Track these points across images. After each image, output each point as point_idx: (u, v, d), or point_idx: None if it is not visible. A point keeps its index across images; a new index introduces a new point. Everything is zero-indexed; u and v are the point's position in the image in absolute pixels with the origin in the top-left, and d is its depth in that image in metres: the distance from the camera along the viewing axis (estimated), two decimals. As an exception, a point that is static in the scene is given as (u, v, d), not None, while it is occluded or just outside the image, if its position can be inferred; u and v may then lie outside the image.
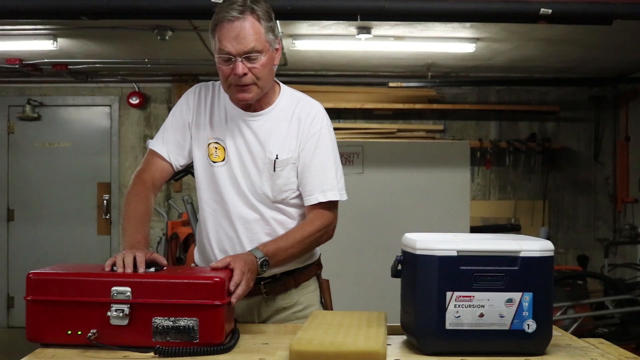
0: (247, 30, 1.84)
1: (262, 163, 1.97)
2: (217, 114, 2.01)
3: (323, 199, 1.98)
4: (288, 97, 2.04)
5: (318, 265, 2.15)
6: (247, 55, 1.85)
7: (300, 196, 2.02)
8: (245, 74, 1.86)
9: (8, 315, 6.51)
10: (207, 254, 2.06)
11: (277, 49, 1.96)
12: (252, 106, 1.99)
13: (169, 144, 2.02)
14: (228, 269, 1.69)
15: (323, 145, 2.00)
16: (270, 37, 1.91)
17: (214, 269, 1.68)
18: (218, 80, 2.02)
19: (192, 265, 2.20)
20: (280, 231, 1.99)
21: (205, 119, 2.02)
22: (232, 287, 1.65)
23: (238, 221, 1.99)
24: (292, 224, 2.01)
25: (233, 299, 1.64)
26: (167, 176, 2.05)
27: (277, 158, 1.96)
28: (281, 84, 2.06)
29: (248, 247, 1.96)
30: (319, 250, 2.15)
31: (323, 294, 2.15)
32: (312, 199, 1.98)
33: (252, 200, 1.98)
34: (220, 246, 2.02)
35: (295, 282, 2.06)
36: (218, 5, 1.91)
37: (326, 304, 2.15)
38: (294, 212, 2.03)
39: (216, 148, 1.99)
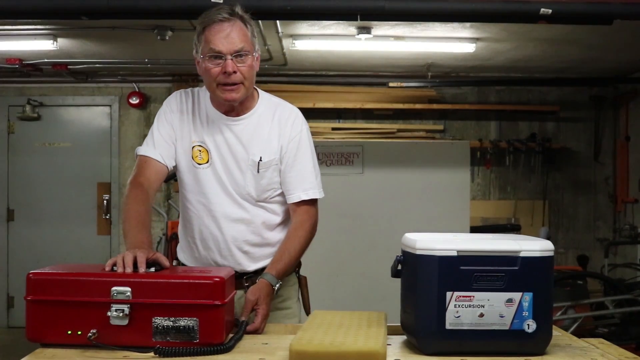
0: (237, 31, 1.96)
1: (245, 165, 2.06)
2: (199, 119, 2.09)
3: (305, 197, 2.10)
4: (266, 102, 2.13)
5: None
6: (237, 54, 1.94)
7: (282, 194, 2.12)
8: (234, 72, 1.94)
9: (8, 315, 6.51)
10: (191, 252, 2.15)
11: (258, 57, 2.05)
12: (234, 111, 2.07)
13: (160, 147, 2.07)
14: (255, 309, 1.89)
15: (303, 147, 2.12)
16: (255, 42, 2.02)
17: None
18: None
19: (174, 263, 2.25)
20: (263, 230, 2.10)
21: (189, 123, 2.09)
22: (251, 330, 1.81)
23: (223, 220, 2.07)
24: (275, 219, 2.12)
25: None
26: (162, 178, 2.09)
27: (260, 160, 2.05)
28: (258, 89, 2.15)
29: (232, 246, 2.07)
30: None
31: (301, 289, 2.23)
32: (294, 197, 2.10)
33: (238, 199, 2.07)
34: (205, 244, 2.11)
35: None
36: (203, 13, 1.99)
37: (304, 299, 2.24)
38: (277, 209, 2.13)
39: (200, 151, 2.07)
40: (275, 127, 2.08)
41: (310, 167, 2.13)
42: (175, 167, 2.12)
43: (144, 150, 2.07)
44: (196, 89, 2.15)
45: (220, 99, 2.01)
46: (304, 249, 2.11)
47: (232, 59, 1.93)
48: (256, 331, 1.84)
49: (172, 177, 2.24)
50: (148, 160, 2.05)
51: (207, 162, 2.07)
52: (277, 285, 1.98)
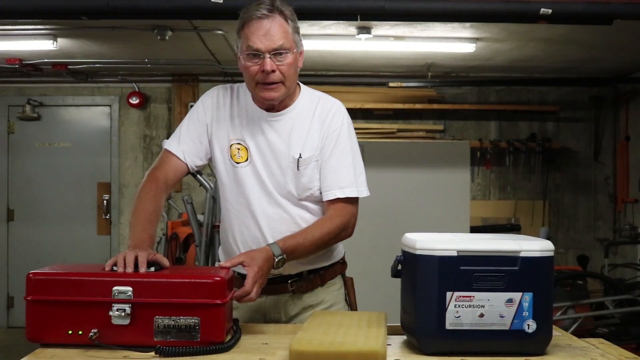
0: (276, 28, 1.89)
1: (285, 162, 1.98)
2: (238, 115, 2.03)
3: (341, 194, 1.98)
4: (308, 96, 2.06)
5: (343, 263, 2.16)
6: (276, 52, 1.89)
7: None
8: (273, 71, 1.89)
9: (8, 315, 6.51)
10: (232, 254, 2.05)
11: (301, 52, 2.00)
12: (275, 106, 2.00)
13: (185, 144, 2.03)
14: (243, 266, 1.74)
15: (342, 143, 2.01)
16: (297, 38, 1.96)
17: (222, 267, 1.72)
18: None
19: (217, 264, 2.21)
20: None
21: (226, 121, 2.03)
22: (240, 295, 1.71)
23: (263, 220, 1.99)
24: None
25: (234, 299, 1.70)
26: (181, 176, 2.05)
27: (300, 157, 1.97)
28: (301, 84, 2.08)
29: None
30: (343, 248, 2.16)
31: (348, 291, 2.16)
32: (329, 195, 1.98)
33: (278, 199, 1.99)
34: (246, 246, 2.02)
35: (322, 281, 2.07)
36: (244, 8, 1.93)
37: (351, 301, 2.16)
38: (320, 210, 2.03)
39: (238, 149, 2.01)
40: (316, 122, 2.00)
41: (349, 164, 2.01)
42: (200, 167, 2.07)
43: (168, 144, 2.04)
44: (237, 84, 2.08)
45: (259, 98, 1.96)
46: (325, 242, 1.95)
47: (270, 58, 1.88)
48: (246, 295, 1.72)
49: (198, 172, 2.19)
50: (170, 156, 2.02)
51: (247, 160, 1.99)
52: (279, 258, 1.81)
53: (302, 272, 2.03)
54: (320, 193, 2.01)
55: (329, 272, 2.08)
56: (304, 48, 2.04)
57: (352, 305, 2.16)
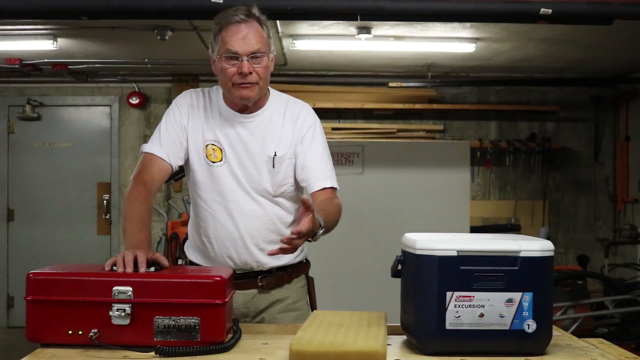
0: (253, 33, 1.99)
1: (260, 160, 2.06)
2: (212, 117, 2.10)
3: (329, 184, 2.09)
4: (277, 98, 2.16)
5: (307, 263, 2.26)
6: (253, 55, 1.98)
7: (296, 189, 2.12)
8: (250, 73, 1.98)
9: (8, 315, 6.51)
10: (206, 252, 2.12)
11: (272, 58, 2.09)
12: (247, 108, 2.09)
13: (167, 145, 2.07)
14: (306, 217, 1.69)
15: (317, 139, 2.13)
16: (270, 43, 2.06)
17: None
18: (215, 83, 2.09)
19: (181, 262, 2.27)
20: (280, 226, 2.10)
21: (200, 122, 2.10)
22: (292, 234, 1.67)
23: (239, 217, 2.06)
24: (289, 218, 2.12)
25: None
26: (166, 177, 2.09)
27: (275, 155, 2.06)
28: (269, 88, 2.17)
29: (249, 243, 2.06)
30: (307, 249, 2.24)
31: (309, 290, 2.26)
32: (317, 185, 2.07)
33: (255, 196, 2.06)
34: (220, 243, 2.09)
35: (289, 278, 2.17)
36: (220, 13, 2.03)
37: (311, 299, 2.26)
38: (291, 206, 2.13)
39: (213, 149, 2.07)
40: (288, 122, 2.10)
41: (327, 158, 2.13)
42: (180, 167, 2.12)
43: (149, 147, 2.07)
44: (207, 88, 2.17)
45: (235, 98, 2.03)
46: (337, 219, 1.99)
47: (248, 60, 1.97)
48: (297, 236, 1.67)
49: (172, 177, 2.24)
50: (153, 158, 2.05)
51: (221, 160, 2.07)
52: (321, 231, 1.82)
53: (272, 268, 2.11)
54: (293, 190, 2.10)
55: (295, 270, 2.18)
56: (274, 55, 2.12)
57: (312, 302, 2.26)
